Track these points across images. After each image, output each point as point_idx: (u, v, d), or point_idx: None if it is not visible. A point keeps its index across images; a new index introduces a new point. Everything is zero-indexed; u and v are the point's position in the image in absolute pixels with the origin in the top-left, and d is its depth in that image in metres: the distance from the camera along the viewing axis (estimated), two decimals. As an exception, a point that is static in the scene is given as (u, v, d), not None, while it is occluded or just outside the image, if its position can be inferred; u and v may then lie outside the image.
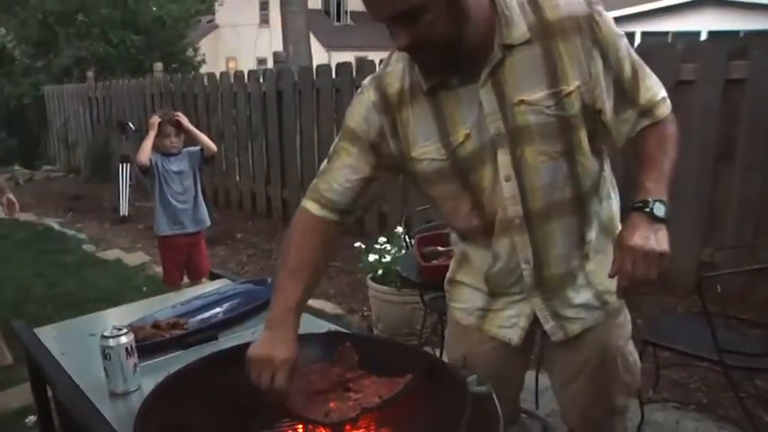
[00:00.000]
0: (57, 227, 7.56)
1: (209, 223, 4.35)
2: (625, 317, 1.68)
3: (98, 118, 10.65)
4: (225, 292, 2.20)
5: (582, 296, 1.58)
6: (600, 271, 1.53)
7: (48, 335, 2.03)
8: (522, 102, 1.37)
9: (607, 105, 1.40)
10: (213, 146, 4.25)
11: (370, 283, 4.09)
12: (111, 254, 6.35)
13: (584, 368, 1.67)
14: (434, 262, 2.44)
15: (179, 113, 4.22)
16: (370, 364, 1.60)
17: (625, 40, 1.41)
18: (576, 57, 1.35)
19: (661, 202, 1.33)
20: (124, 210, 7.86)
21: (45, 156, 13.03)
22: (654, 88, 1.45)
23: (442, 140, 1.44)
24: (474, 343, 1.75)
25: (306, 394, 1.52)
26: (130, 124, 8.23)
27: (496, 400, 1.41)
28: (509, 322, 1.65)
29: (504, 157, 1.41)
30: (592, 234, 1.53)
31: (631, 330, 1.71)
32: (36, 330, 2.07)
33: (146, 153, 4.02)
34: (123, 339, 1.57)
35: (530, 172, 1.42)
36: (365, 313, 4.45)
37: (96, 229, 7.53)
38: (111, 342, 1.56)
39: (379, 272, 4.02)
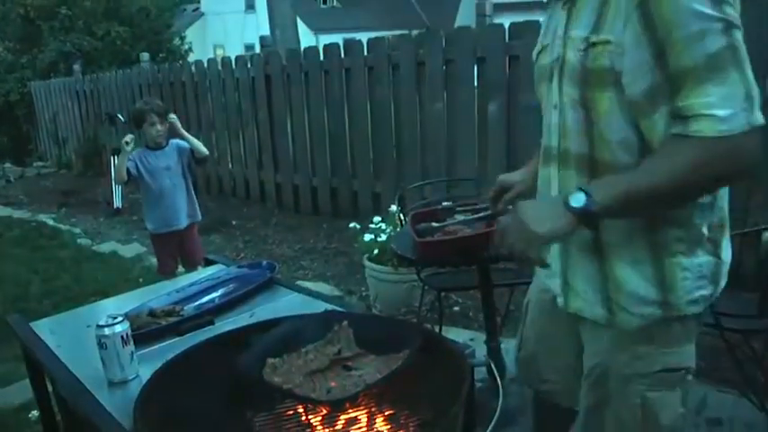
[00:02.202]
0: (51, 222, 7.53)
1: (200, 218, 4.32)
2: (634, 350, 1.44)
3: (87, 112, 10.57)
4: (220, 278, 2.19)
5: (585, 273, 1.48)
6: (618, 269, 1.41)
7: (44, 328, 2.02)
8: (571, 35, 1.37)
9: (635, 82, 1.25)
10: (204, 149, 4.20)
11: (366, 263, 4.09)
12: (107, 247, 6.33)
13: (588, 375, 1.56)
14: (429, 238, 2.42)
15: (174, 117, 4.16)
16: (367, 342, 1.60)
17: (702, 27, 1.16)
18: (620, 13, 1.24)
19: (586, 194, 1.25)
20: (118, 202, 7.82)
21: (35, 152, 12.96)
22: (710, 99, 1.16)
23: (539, 44, 1.55)
24: (534, 290, 1.74)
25: (305, 374, 1.52)
26: (120, 116, 8.18)
27: (497, 373, 1.41)
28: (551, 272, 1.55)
29: (554, 83, 1.43)
30: None
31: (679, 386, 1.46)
32: (32, 324, 2.06)
33: (121, 174, 4.00)
34: (118, 328, 1.56)
35: (565, 108, 1.41)
36: (363, 293, 4.46)
37: (91, 223, 7.50)
38: (107, 331, 1.55)
39: (375, 251, 4.01)
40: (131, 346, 1.59)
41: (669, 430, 1.45)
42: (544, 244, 1.33)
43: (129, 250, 6.11)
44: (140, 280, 5.24)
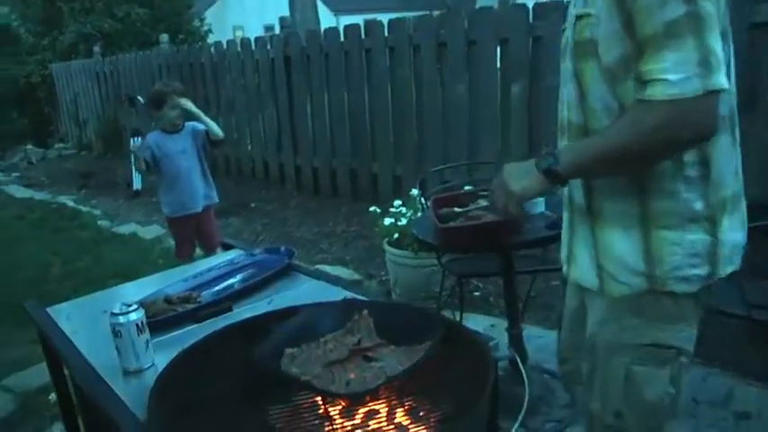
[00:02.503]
0: (71, 204, 7.57)
1: (217, 200, 4.28)
2: (622, 321, 1.45)
3: (107, 93, 10.59)
4: (238, 263, 2.15)
5: (583, 240, 1.50)
6: (608, 236, 1.44)
7: (60, 313, 2.00)
8: (571, 13, 1.42)
9: (609, 51, 1.30)
10: (219, 132, 4.14)
11: (386, 247, 4.04)
12: (127, 228, 6.34)
13: (586, 344, 1.58)
14: (451, 224, 2.36)
15: (187, 100, 4.09)
16: (388, 331, 1.55)
17: None
18: None
19: (554, 156, 1.38)
20: (137, 184, 7.83)
21: (57, 134, 13.02)
22: (665, 65, 1.19)
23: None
24: (567, 296, 1.77)
25: (324, 365, 1.48)
26: (139, 98, 8.17)
27: (521, 365, 1.36)
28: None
29: (564, 60, 1.49)
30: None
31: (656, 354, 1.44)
32: (49, 309, 2.04)
33: (141, 166, 4.08)
34: (133, 316, 1.52)
35: (566, 82, 1.47)
36: (383, 278, 4.41)
37: (111, 205, 7.52)
38: (121, 319, 1.52)
39: (396, 236, 3.96)
40: (146, 335, 1.56)
41: (653, 407, 1.45)
42: (521, 200, 1.48)
43: (149, 232, 6.11)
44: (160, 262, 5.25)
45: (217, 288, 1.99)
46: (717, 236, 1.37)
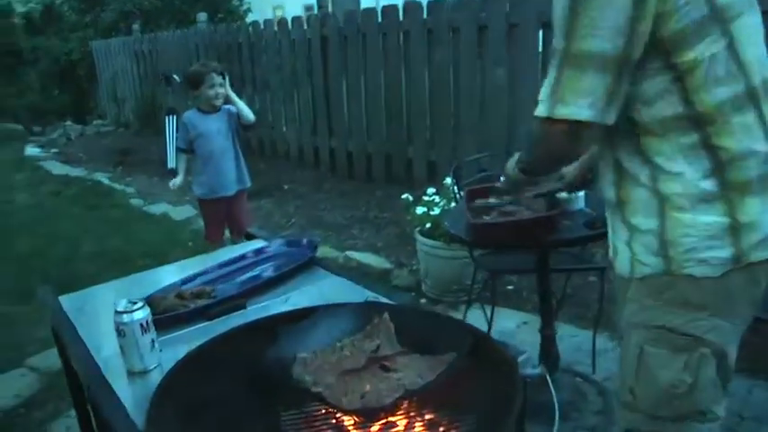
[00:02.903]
0: (106, 181, 7.58)
1: (249, 184, 4.22)
2: (642, 302, 1.45)
3: (145, 71, 10.59)
4: (258, 256, 2.04)
5: (617, 230, 1.50)
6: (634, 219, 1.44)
7: (71, 303, 1.93)
8: None
9: None
10: (251, 115, 4.07)
11: (418, 236, 3.91)
12: (158, 208, 6.32)
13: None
14: (486, 218, 2.22)
15: (224, 81, 4.00)
16: (409, 338, 1.44)
17: (560, 21, 1.30)
18: None
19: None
20: (172, 162, 7.75)
21: (96, 111, 13.11)
22: (542, 90, 1.37)
23: None
24: None
25: (338, 374, 1.37)
26: (175, 76, 8.12)
27: (551, 384, 1.23)
28: None
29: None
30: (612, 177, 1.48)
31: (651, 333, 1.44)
32: (61, 298, 1.97)
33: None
34: (137, 315, 1.43)
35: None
36: (414, 267, 4.28)
37: (144, 183, 7.50)
38: (125, 318, 1.42)
39: (428, 225, 3.83)
40: (152, 334, 1.46)
41: (663, 391, 1.42)
42: (511, 186, 1.85)
43: (180, 213, 6.07)
44: (189, 243, 5.21)
45: (232, 283, 1.88)
46: (736, 218, 1.32)
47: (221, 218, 4.18)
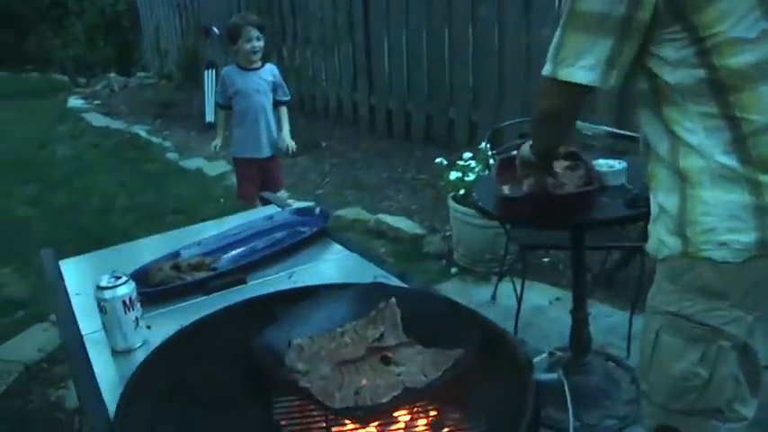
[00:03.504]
0: (144, 134, 7.54)
1: (284, 151, 4.14)
2: (660, 284, 1.39)
3: (187, 23, 10.48)
4: (265, 225, 1.90)
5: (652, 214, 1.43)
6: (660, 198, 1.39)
7: (71, 269, 1.84)
8: None
9: None
10: (287, 94, 4.08)
11: (450, 203, 3.75)
12: (193, 163, 6.25)
13: None
14: (515, 192, 2.03)
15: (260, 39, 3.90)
16: (416, 327, 1.30)
17: None
18: None
19: None
20: (210, 116, 7.71)
21: (140, 63, 13.10)
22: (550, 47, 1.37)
23: None
24: None
25: (334, 363, 1.24)
26: (215, 28, 8.00)
27: (567, 392, 1.08)
28: None
29: None
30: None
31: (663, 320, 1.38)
32: (61, 263, 1.88)
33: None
34: (120, 291, 1.32)
35: None
36: (447, 233, 4.13)
37: (182, 137, 7.42)
38: (107, 294, 1.31)
39: (462, 191, 3.66)
40: (136, 311, 1.35)
41: (675, 382, 1.35)
42: (524, 166, 1.83)
43: (215, 168, 5.99)
44: (221, 200, 5.15)
45: (234, 253, 1.76)
46: (763, 197, 1.24)
47: (253, 177, 4.10)
